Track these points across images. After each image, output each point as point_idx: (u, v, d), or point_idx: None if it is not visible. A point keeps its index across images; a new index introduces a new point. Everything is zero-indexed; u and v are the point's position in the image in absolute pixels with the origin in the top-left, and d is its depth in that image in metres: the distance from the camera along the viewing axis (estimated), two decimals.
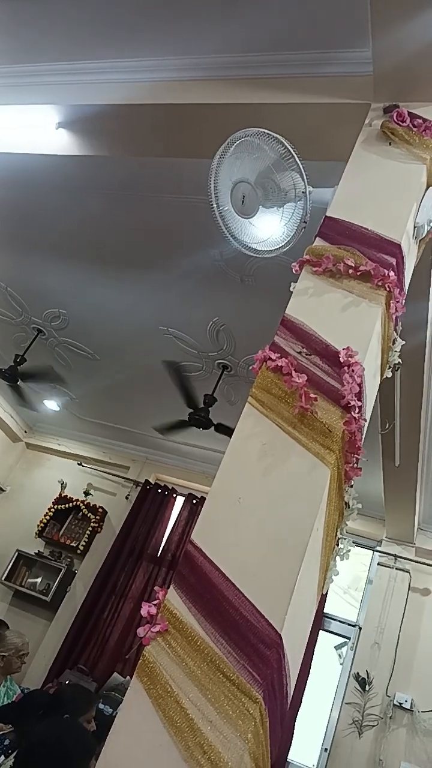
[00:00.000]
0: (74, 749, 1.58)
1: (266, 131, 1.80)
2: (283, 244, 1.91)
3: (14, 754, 1.78)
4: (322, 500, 1.30)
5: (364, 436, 1.57)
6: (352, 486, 1.49)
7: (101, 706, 3.73)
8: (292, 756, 4.14)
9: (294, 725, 3.93)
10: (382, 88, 2.02)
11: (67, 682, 4.53)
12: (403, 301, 1.77)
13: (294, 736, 3.94)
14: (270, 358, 1.48)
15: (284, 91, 2.27)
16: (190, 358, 4.40)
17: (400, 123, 1.94)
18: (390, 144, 1.93)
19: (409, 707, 4.07)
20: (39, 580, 5.68)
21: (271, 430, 1.41)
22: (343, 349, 1.47)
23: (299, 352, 1.50)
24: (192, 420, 4.29)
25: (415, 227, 1.81)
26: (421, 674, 4.18)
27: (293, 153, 1.77)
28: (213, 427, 4.10)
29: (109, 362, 4.98)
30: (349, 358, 1.46)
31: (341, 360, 1.46)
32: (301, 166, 1.79)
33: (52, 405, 5.80)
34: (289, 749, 3.94)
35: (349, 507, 1.50)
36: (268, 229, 1.92)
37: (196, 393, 4.26)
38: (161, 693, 1.09)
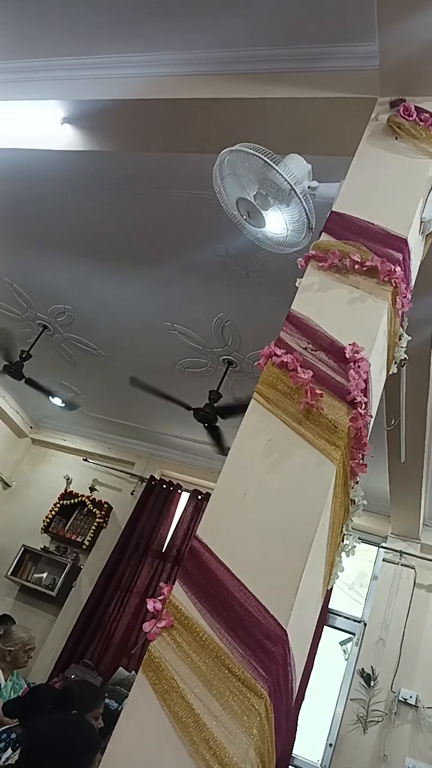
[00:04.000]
0: (80, 745, 1.59)
1: (237, 149, 1.80)
2: (298, 240, 1.90)
3: (21, 748, 1.79)
4: (327, 496, 1.29)
5: (369, 433, 1.57)
6: (357, 482, 1.49)
7: (107, 700, 3.75)
8: (297, 751, 4.15)
9: (297, 720, 3.93)
10: (388, 82, 2.00)
11: (73, 677, 4.55)
12: (410, 296, 1.76)
13: (297, 731, 3.95)
14: (275, 354, 1.47)
15: (290, 85, 2.26)
16: (195, 354, 4.40)
17: (407, 117, 1.92)
18: (396, 138, 1.92)
19: (413, 703, 4.07)
20: (45, 575, 5.70)
21: (276, 426, 1.41)
22: (349, 344, 1.47)
23: (305, 348, 1.50)
24: (197, 416, 4.30)
25: (421, 222, 1.80)
26: (426, 670, 4.18)
27: (269, 163, 1.76)
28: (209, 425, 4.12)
29: (114, 358, 4.99)
30: (355, 354, 1.46)
31: (347, 356, 1.45)
32: (280, 172, 1.77)
33: (57, 401, 5.82)
34: (293, 744, 3.95)
35: (354, 503, 1.50)
36: (280, 230, 1.92)
37: (181, 399, 4.28)
38: (166, 688, 1.09)
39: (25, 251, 4.19)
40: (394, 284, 1.59)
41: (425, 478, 3.98)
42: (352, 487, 1.45)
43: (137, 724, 1.09)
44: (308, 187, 1.85)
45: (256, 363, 1.60)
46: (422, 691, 4.11)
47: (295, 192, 1.78)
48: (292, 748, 3.96)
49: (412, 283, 1.81)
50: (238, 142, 2.35)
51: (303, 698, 3.99)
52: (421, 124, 1.92)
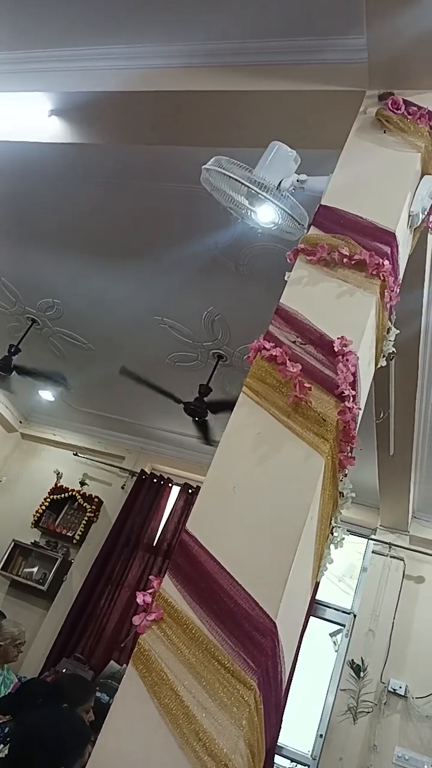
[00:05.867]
0: (71, 741, 1.59)
1: (210, 167, 1.80)
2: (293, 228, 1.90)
3: (10, 743, 1.78)
4: (316, 489, 1.30)
5: (358, 426, 1.58)
6: (346, 475, 1.50)
7: (98, 694, 3.76)
8: (288, 742, 4.19)
9: (284, 710, 3.97)
10: (376, 75, 2.00)
11: (64, 671, 4.56)
12: (398, 290, 1.76)
13: (283, 721, 3.99)
14: (264, 348, 1.48)
15: (278, 78, 2.26)
16: (185, 348, 4.40)
17: (395, 111, 1.92)
18: (384, 132, 1.92)
19: (403, 693, 4.12)
20: (35, 569, 5.70)
21: (265, 419, 1.41)
22: (338, 338, 1.47)
23: (294, 342, 1.50)
24: (187, 410, 4.30)
25: (409, 216, 1.81)
26: (415, 661, 4.23)
27: (239, 180, 1.76)
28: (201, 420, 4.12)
29: (103, 352, 4.97)
30: (344, 348, 1.46)
31: (336, 349, 1.46)
32: (249, 186, 1.78)
33: (47, 395, 5.79)
34: (278, 734, 3.99)
35: (343, 496, 1.51)
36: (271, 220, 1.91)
37: (170, 391, 4.28)
38: (156, 680, 1.10)
39: (12, 244, 4.16)
40: (382, 278, 1.60)
41: (414, 470, 4.01)
42: (341, 480, 1.46)
43: (127, 717, 1.10)
44: (297, 181, 1.84)
45: (245, 357, 1.60)
46: (411, 682, 4.15)
47: (268, 198, 1.78)
48: (278, 738, 3.99)
49: (401, 276, 1.82)
50: (226, 134, 2.35)
51: (289, 688, 4.03)
52: (410, 117, 1.92)
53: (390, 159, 1.86)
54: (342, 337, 1.47)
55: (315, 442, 1.36)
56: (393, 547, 4.62)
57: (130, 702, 1.10)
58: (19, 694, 2.91)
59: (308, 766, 4.17)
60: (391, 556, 4.62)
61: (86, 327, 4.75)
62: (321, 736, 4.17)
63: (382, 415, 3.46)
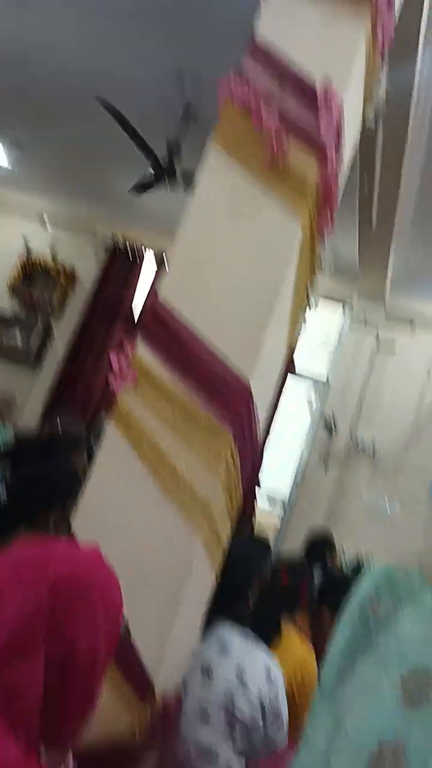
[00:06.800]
0: (62, 489, 1.69)
1: None
2: None
3: (7, 485, 1.87)
4: (293, 254, 1.24)
5: (341, 188, 1.46)
6: (325, 241, 1.43)
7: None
8: (266, 486, 4.75)
9: (262, 461, 4.41)
10: None
11: (59, 420, 4.80)
12: (392, 26, 1.51)
13: (261, 470, 4.45)
14: (235, 88, 1.28)
15: None
16: (152, 106, 3.91)
17: None
18: None
19: (371, 447, 4.55)
20: (17, 339, 5.75)
21: (239, 177, 1.29)
22: (321, 79, 1.28)
23: (270, 86, 1.31)
24: (156, 172, 3.93)
25: None
26: (383, 420, 4.61)
27: None
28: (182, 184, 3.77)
29: (62, 112, 4.43)
30: (327, 92, 1.28)
31: (318, 94, 1.28)
32: None
33: (2, 160, 5.26)
34: (258, 482, 4.47)
35: (320, 262, 1.46)
36: None
37: (147, 143, 3.82)
38: (137, 437, 1.15)
39: None
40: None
41: (394, 240, 3.93)
42: (319, 245, 1.40)
43: (111, 471, 1.17)
44: None
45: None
46: (379, 438, 4.57)
47: None
48: (258, 484, 4.49)
49: (396, 8, 1.54)
50: None
51: (266, 443, 4.43)
52: None
53: None
54: (325, 75, 1.27)
55: (294, 204, 1.26)
56: (368, 316, 4.73)
57: (112, 458, 1.17)
58: (14, 449, 2.93)
59: (284, 505, 4.78)
60: (366, 325, 4.75)
61: (36, 80, 4.14)
62: (296, 482, 4.71)
63: (366, 189, 3.27)
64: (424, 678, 0.50)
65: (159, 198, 4.57)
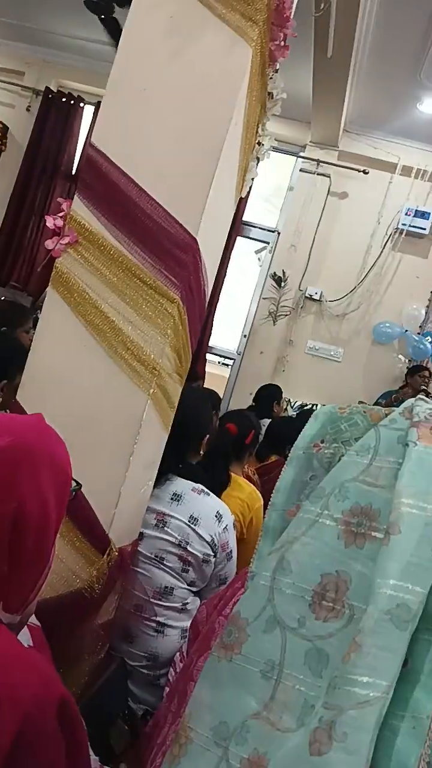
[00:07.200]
0: (3, 357, 1.64)
1: None
2: None
3: None
4: (241, 87, 1.11)
5: (294, 5, 1.29)
6: (277, 71, 1.28)
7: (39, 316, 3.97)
8: (217, 343, 4.79)
9: (213, 318, 4.41)
10: None
11: (2, 299, 4.74)
12: None
13: (214, 327, 4.46)
14: None
15: None
16: None
17: None
18: None
19: (318, 298, 4.58)
20: None
21: None
22: None
23: None
24: (89, 5, 3.46)
25: None
26: (331, 270, 4.59)
27: None
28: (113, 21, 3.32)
29: None
30: None
31: None
32: None
33: None
34: (209, 338, 4.49)
35: (272, 97, 1.32)
36: None
37: None
38: (79, 300, 1.09)
39: None
40: None
41: (351, 75, 3.63)
42: (271, 77, 1.26)
43: (55, 335, 1.13)
44: None
45: None
46: (326, 288, 4.58)
47: None
48: (209, 341, 4.52)
49: None
50: None
51: (218, 300, 4.40)
52: None
53: None
54: None
55: (242, 26, 1.11)
56: (321, 164, 4.51)
57: (54, 322, 1.12)
58: None
59: (234, 359, 4.87)
60: (318, 174, 4.55)
61: None
62: (245, 336, 4.76)
63: (322, 6, 2.92)
64: (364, 515, 0.53)
65: (96, 34, 4.01)
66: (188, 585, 1.34)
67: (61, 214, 1.10)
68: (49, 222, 1.08)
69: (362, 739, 0.43)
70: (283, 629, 0.52)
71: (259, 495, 1.82)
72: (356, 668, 0.45)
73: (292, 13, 1.28)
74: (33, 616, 0.72)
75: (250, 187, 1.48)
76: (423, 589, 0.47)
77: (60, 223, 1.09)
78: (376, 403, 3.57)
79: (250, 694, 0.51)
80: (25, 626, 0.70)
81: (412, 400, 0.61)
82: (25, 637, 0.72)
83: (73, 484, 0.68)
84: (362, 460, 0.57)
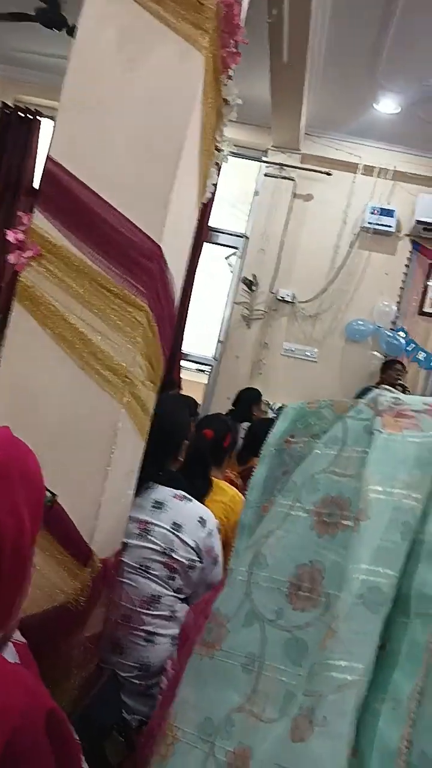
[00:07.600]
0: None
1: None
2: None
3: None
4: (196, 95, 1.13)
5: (244, 13, 1.31)
6: (231, 77, 1.30)
7: None
8: (192, 349, 4.79)
9: (185, 325, 4.41)
10: None
11: None
12: None
13: (184, 333, 4.46)
14: None
15: None
16: None
17: None
18: None
19: (290, 300, 4.62)
20: None
21: (130, 11, 1.12)
22: None
23: None
24: (42, 19, 3.46)
25: None
26: (301, 272, 4.64)
27: None
28: (66, 30, 3.33)
29: None
30: None
31: None
32: None
33: None
34: (181, 344, 4.48)
35: (228, 104, 1.34)
36: None
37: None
38: (46, 314, 1.09)
39: None
40: None
41: (308, 80, 3.68)
42: (225, 84, 1.28)
43: (24, 350, 1.12)
44: None
45: None
46: (297, 289, 4.62)
47: None
48: (181, 346, 4.51)
49: None
50: None
51: (188, 306, 4.40)
52: None
53: None
54: None
55: (192, 36, 1.13)
56: (284, 168, 4.57)
57: (22, 337, 1.12)
58: None
59: (211, 365, 4.88)
60: (282, 177, 4.60)
61: None
62: (220, 341, 4.78)
63: (274, 11, 2.96)
64: (335, 505, 0.54)
65: (52, 48, 4.02)
66: (175, 592, 1.34)
67: (22, 228, 1.10)
68: (10, 236, 1.08)
69: (342, 723, 0.44)
70: (261, 622, 0.52)
71: (243, 498, 1.82)
72: (333, 653, 0.46)
73: (243, 21, 1.31)
74: (18, 632, 0.72)
75: (213, 193, 1.49)
76: (393, 571, 0.48)
77: (21, 236, 1.09)
78: None
79: (232, 689, 0.51)
80: (11, 643, 0.70)
81: (377, 390, 0.63)
82: (11, 654, 0.72)
83: (48, 494, 0.68)
84: (331, 451, 0.58)
